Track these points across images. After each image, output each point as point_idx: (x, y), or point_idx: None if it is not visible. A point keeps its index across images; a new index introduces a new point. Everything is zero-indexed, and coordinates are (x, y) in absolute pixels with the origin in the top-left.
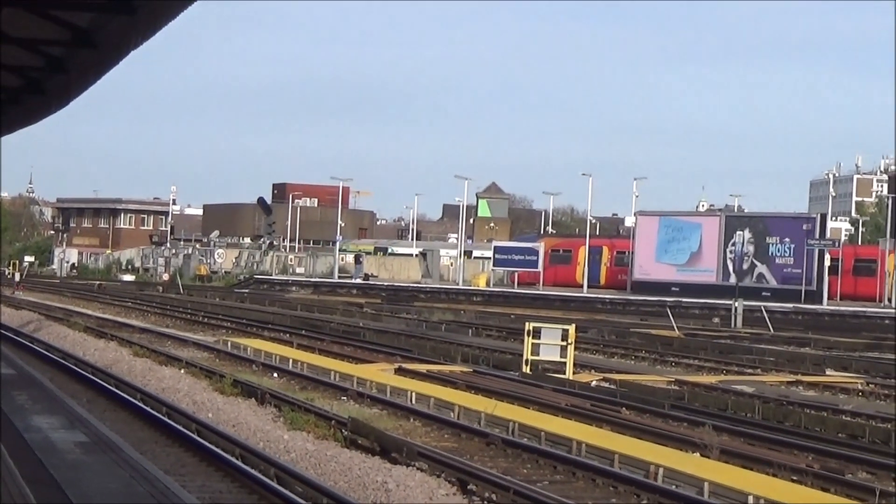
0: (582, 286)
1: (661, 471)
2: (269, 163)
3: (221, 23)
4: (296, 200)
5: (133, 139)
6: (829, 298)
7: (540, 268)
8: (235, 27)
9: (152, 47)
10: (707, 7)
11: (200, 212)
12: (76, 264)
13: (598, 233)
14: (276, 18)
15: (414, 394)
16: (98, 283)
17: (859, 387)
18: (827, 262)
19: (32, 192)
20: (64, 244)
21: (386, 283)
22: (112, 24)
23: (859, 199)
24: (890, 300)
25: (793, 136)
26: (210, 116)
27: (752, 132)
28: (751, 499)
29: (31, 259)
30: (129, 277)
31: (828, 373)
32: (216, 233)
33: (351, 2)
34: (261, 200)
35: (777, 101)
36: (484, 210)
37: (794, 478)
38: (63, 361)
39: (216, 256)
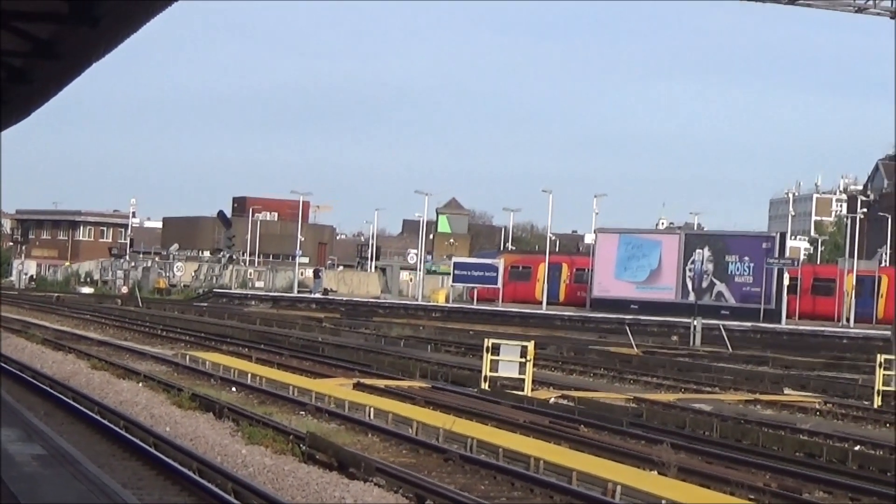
0: (541, 303)
1: (618, 488)
2: (229, 176)
3: (183, 34)
4: (256, 214)
5: (93, 151)
6: (787, 317)
7: (499, 284)
8: (198, 39)
9: (113, 59)
10: (668, 26)
11: (160, 225)
12: (35, 276)
13: (557, 249)
14: (236, 31)
15: (372, 409)
16: (56, 295)
17: (817, 406)
18: (786, 281)
19: None
20: (23, 256)
21: (345, 298)
22: (74, 35)
23: (818, 218)
24: (848, 319)
25: (754, 154)
26: (170, 129)
27: (713, 150)
28: None
29: None
30: (87, 290)
31: (786, 392)
32: (175, 246)
33: (310, 16)
34: (221, 214)
35: (738, 120)
36: (444, 226)
37: (752, 496)
38: (20, 374)
39: (175, 270)
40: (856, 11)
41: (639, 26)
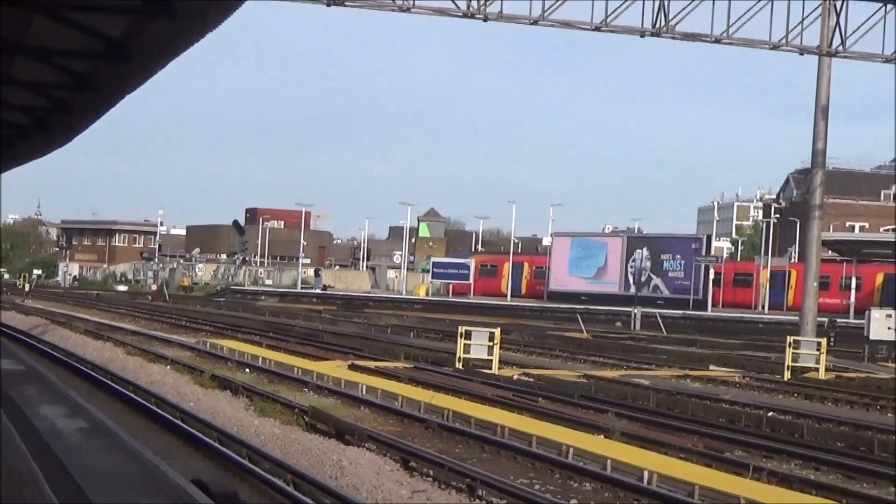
0: (506, 296)
1: (571, 450)
2: (243, 190)
3: (199, 68)
4: (265, 223)
5: (126, 169)
6: (713, 306)
7: (471, 280)
8: (210, 71)
9: (142, 90)
10: (615, 58)
11: (184, 232)
12: (77, 277)
13: (520, 251)
14: (243, 64)
15: (364, 386)
16: (96, 293)
17: (737, 380)
18: (711, 276)
19: (40, 215)
20: (67, 259)
21: (341, 293)
22: (109, 70)
23: (739, 222)
24: (763, 307)
25: (685, 168)
26: (192, 150)
27: (651, 165)
28: (646, 473)
29: (39, 272)
30: (122, 288)
31: (711, 368)
32: (197, 250)
33: (299, 48)
34: (235, 223)
35: (673, 139)
36: (424, 231)
37: (683, 455)
38: (66, 359)
39: (197, 270)
40: (771, 48)
41: (590, 58)
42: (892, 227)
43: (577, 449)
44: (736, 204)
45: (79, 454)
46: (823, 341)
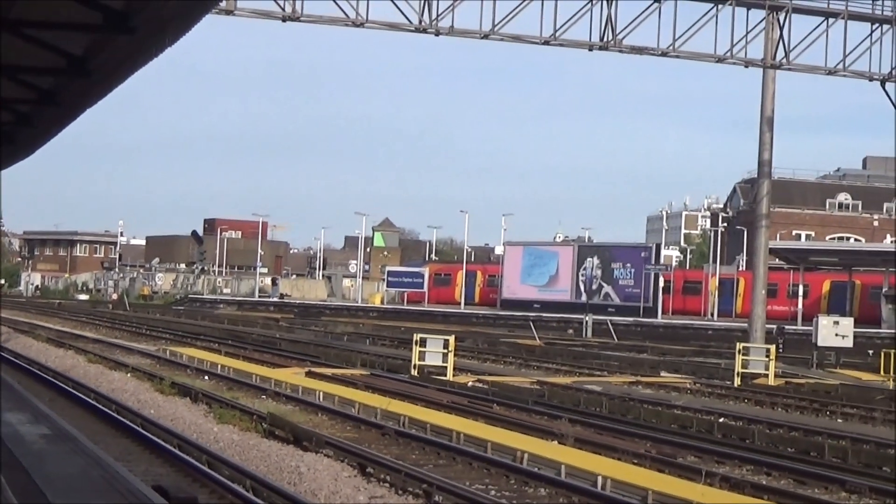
0: (460, 304)
1: (525, 456)
2: (201, 201)
3: (160, 85)
4: (223, 233)
5: (87, 182)
6: (663, 313)
7: (425, 289)
8: (172, 88)
9: (103, 105)
10: (564, 74)
11: (143, 242)
12: (39, 286)
13: (473, 259)
14: (206, 82)
15: (321, 393)
16: (58, 301)
17: (688, 386)
18: (661, 284)
19: (3, 226)
20: (29, 269)
21: (298, 302)
22: (71, 85)
23: (687, 231)
24: (712, 314)
25: (634, 178)
26: (152, 162)
27: (600, 175)
28: (600, 479)
29: (2, 282)
30: (83, 297)
31: (662, 374)
32: (156, 260)
33: (256, 63)
34: (194, 233)
35: (622, 150)
36: (379, 241)
37: (636, 461)
38: (29, 367)
39: (157, 279)
40: (716, 61)
41: (537, 74)
42: (838, 235)
43: (532, 454)
44: (684, 213)
45: (42, 460)
46: (772, 348)
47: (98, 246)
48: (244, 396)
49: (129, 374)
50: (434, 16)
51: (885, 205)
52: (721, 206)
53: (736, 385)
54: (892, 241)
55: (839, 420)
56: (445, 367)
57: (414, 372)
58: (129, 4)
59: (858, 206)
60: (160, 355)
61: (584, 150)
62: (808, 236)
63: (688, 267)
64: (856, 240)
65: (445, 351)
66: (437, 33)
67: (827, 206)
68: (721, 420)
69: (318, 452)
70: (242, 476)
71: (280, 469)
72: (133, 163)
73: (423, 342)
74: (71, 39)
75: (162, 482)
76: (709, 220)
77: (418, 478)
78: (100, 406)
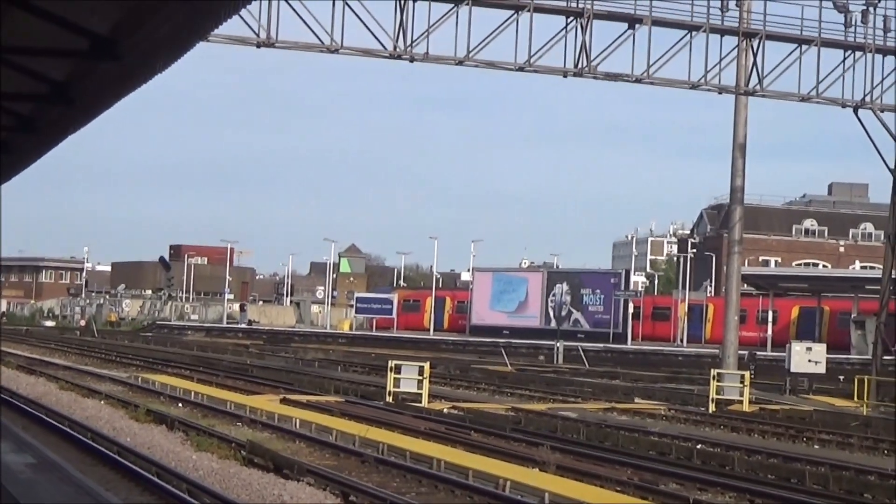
0: (429, 330)
1: (508, 483)
2: (168, 227)
3: (130, 114)
4: (189, 259)
5: (53, 208)
6: (632, 339)
7: (394, 315)
8: (140, 116)
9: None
10: (530, 103)
11: (109, 268)
12: (5, 313)
13: (440, 286)
14: (176, 110)
15: (298, 420)
16: (25, 328)
17: (663, 412)
18: (630, 310)
19: None
20: None
21: (266, 328)
22: (52, 112)
23: (653, 257)
24: (682, 340)
25: (599, 205)
26: (117, 189)
27: (565, 202)
28: None
29: None
30: (50, 323)
31: (636, 401)
32: (123, 286)
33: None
34: (162, 259)
35: (586, 177)
36: (345, 267)
37: (619, 488)
38: None
39: (124, 305)
40: (690, 88)
41: (505, 102)
42: (804, 261)
43: (514, 482)
44: (650, 239)
45: (31, 488)
46: (747, 374)
47: (64, 272)
48: (220, 424)
49: (102, 402)
50: (408, 42)
51: (851, 230)
52: (687, 231)
53: (711, 411)
54: (859, 267)
55: (816, 446)
56: (420, 394)
57: (389, 398)
58: (117, 31)
59: (825, 232)
60: (132, 382)
61: (549, 179)
62: (775, 262)
63: (655, 293)
64: (823, 265)
65: (420, 378)
66: (412, 59)
67: (793, 232)
68: (699, 446)
69: (300, 480)
70: None
71: (262, 497)
72: (98, 188)
73: (398, 368)
74: (54, 65)
75: None
76: (675, 246)
77: None
78: (75, 434)
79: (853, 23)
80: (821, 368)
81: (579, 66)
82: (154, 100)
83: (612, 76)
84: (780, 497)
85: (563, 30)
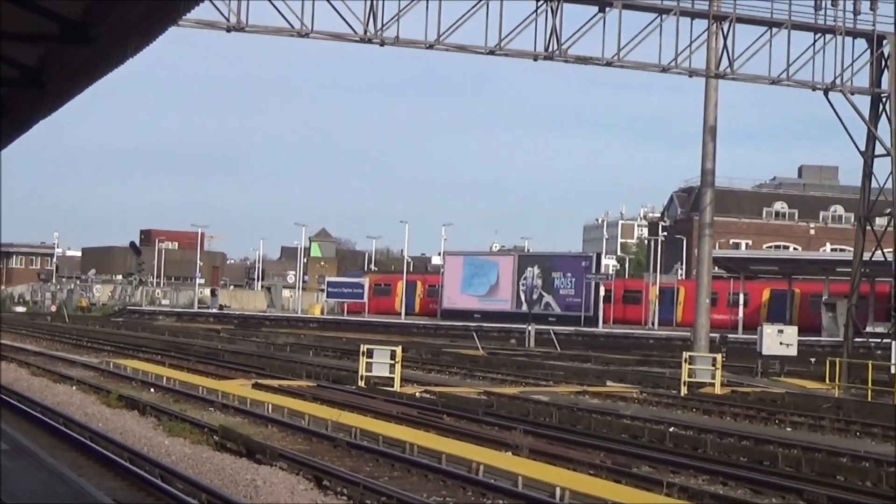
0: (400, 314)
1: (481, 467)
2: (138, 212)
3: (101, 98)
4: (160, 244)
5: (22, 193)
6: (604, 322)
7: (365, 299)
8: (110, 100)
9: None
10: (500, 89)
11: (80, 253)
12: None
13: (411, 270)
14: (147, 93)
15: (270, 405)
16: None
17: (635, 395)
18: (602, 293)
19: None
20: None
21: (237, 312)
22: (24, 97)
23: (624, 240)
24: (653, 323)
25: (568, 189)
26: (87, 173)
27: (535, 186)
28: (558, 490)
29: None
30: (20, 309)
31: (608, 384)
32: (93, 271)
33: (194, 74)
34: (132, 244)
35: (556, 161)
36: (316, 251)
37: (591, 472)
38: None
39: (94, 291)
40: (661, 71)
41: (476, 87)
42: (774, 244)
43: (488, 465)
44: (620, 222)
45: (5, 476)
46: (719, 357)
47: (34, 258)
48: (192, 409)
49: (73, 387)
50: (379, 26)
51: (822, 213)
52: (658, 214)
53: (682, 394)
54: (830, 250)
55: (788, 429)
56: (392, 378)
57: (361, 383)
58: (88, 15)
59: (795, 215)
60: (104, 367)
61: (519, 163)
62: (746, 245)
63: (626, 276)
64: (793, 248)
65: (392, 362)
66: (383, 43)
67: (764, 215)
68: (672, 429)
69: (273, 465)
70: (198, 490)
71: (235, 482)
72: (68, 173)
73: (370, 353)
74: (25, 50)
75: (116, 496)
76: (646, 230)
77: (376, 490)
78: (47, 419)
79: (823, 6)
80: (792, 351)
81: (550, 49)
82: (124, 84)
83: (583, 59)
84: (753, 479)
85: (533, 13)
